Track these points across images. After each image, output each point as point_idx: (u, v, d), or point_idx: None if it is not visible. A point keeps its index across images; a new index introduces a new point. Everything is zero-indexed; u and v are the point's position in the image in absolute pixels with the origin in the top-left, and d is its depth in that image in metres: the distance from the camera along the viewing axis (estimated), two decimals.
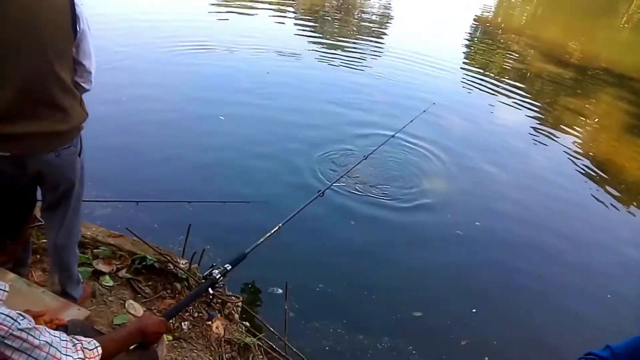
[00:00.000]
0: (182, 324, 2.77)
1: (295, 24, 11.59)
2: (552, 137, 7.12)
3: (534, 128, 7.38)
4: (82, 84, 2.02)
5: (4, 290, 1.22)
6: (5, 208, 1.21)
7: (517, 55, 11.73)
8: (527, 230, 4.88)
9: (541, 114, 8.14)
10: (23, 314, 1.17)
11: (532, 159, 6.40)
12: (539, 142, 6.90)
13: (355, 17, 13.54)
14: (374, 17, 13.69)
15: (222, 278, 1.96)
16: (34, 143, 1.91)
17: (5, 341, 1.11)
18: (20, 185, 1.34)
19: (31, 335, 1.15)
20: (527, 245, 4.67)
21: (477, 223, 4.79)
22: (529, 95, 8.77)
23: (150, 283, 2.99)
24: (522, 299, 4.02)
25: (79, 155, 2.09)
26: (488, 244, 4.56)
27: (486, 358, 3.36)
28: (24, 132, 1.87)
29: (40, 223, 1.33)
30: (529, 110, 8.10)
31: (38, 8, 1.76)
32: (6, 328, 1.12)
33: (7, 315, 1.13)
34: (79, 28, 1.86)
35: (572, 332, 3.74)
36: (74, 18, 1.84)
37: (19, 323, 1.14)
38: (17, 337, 1.13)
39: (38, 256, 2.89)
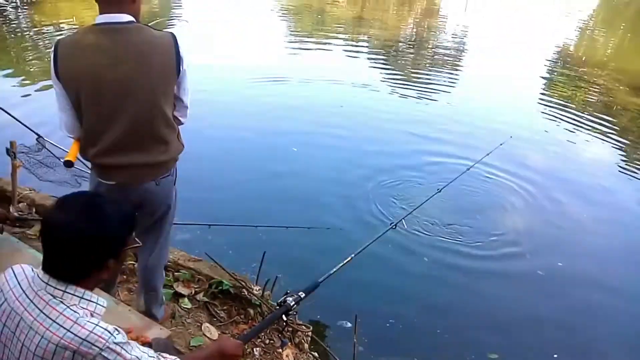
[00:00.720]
0: (254, 349, 2.83)
1: (369, 58, 11.77)
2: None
3: (621, 163, 6.96)
4: (180, 118, 2.20)
5: (103, 306, 1.33)
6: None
7: (600, 88, 11.18)
8: (616, 273, 4.58)
9: (628, 149, 7.67)
10: (118, 328, 1.27)
11: (620, 195, 6.02)
12: (627, 178, 6.50)
13: (429, 49, 13.54)
14: (448, 50, 13.62)
15: (295, 306, 2.01)
16: (138, 173, 2.09)
17: (103, 353, 1.21)
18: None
19: (124, 349, 1.25)
20: (614, 288, 4.37)
21: (559, 264, 4.56)
22: (614, 130, 8.30)
23: (225, 307, 3.10)
24: (606, 345, 3.76)
25: (175, 183, 2.26)
26: (570, 287, 4.32)
27: None
28: (131, 163, 2.05)
29: (139, 245, 1.43)
30: (615, 145, 7.66)
31: (151, 51, 1.95)
32: (104, 341, 1.21)
33: (106, 329, 1.23)
34: (182, 68, 2.03)
35: None
36: (178, 59, 2.01)
37: (115, 337, 1.23)
38: (113, 350, 1.22)
39: (125, 276, 3.09)
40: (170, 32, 2.05)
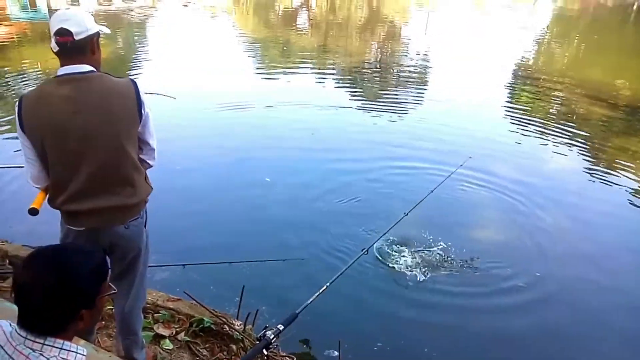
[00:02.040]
0: None
1: (336, 85, 11.99)
2: (608, 180, 6.93)
3: (588, 172, 7.19)
4: (147, 161, 2.26)
5: (83, 355, 1.35)
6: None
7: (562, 99, 11.60)
8: (592, 276, 4.72)
9: (593, 156, 7.93)
10: None
11: (589, 201, 6.22)
12: (594, 186, 6.72)
13: (393, 72, 13.86)
14: (411, 71, 13.95)
15: (275, 339, 2.04)
16: (106, 217, 2.13)
17: None
18: None
19: None
20: (591, 295, 4.50)
21: (537, 274, 4.66)
22: (578, 139, 8.60)
23: (207, 345, 3.09)
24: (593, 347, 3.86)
25: (145, 225, 2.29)
26: (553, 297, 4.39)
27: None
28: (98, 208, 2.09)
29: (114, 291, 1.46)
30: (580, 154, 7.93)
31: (111, 97, 2.03)
32: None
33: None
34: (144, 112, 2.11)
35: None
36: (139, 103, 2.09)
37: None
38: None
39: (103, 322, 3.06)
40: (130, 78, 2.14)
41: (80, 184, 2.05)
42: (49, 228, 2.48)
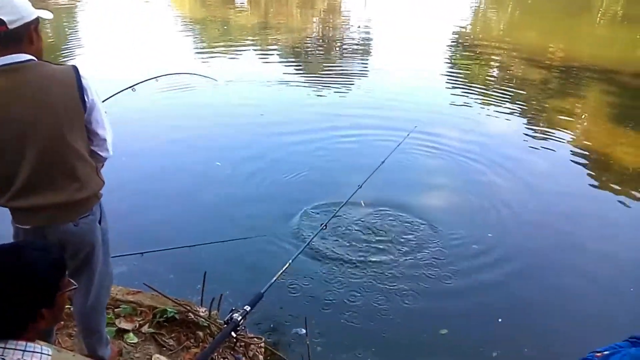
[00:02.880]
0: None
1: (280, 61, 11.89)
2: (546, 139, 7.24)
3: (527, 133, 7.49)
4: (99, 153, 2.14)
5: (48, 355, 1.31)
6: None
7: (500, 63, 11.97)
8: (539, 235, 4.94)
9: (532, 118, 8.28)
10: None
11: (527, 163, 6.47)
12: (533, 146, 6.99)
13: (336, 46, 13.86)
14: (354, 44, 14.00)
15: (243, 320, 2.04)
16: (53, 214, 2.02)
17: None
18: None
19: None
20: (541, 249, 4.72)
21: (489, 235, 4.84)
22: (517, 102, 8.94)
23: (173, 335, 3.05)
24: (544, 305, 4.06)
25: (100, 222, 2.20)
26: (503, 256, 4.56)
27: None
28: (44, 204, 1.99)
29: (75, 287, 1.41)
30: (518, 117, 8.25)
31: (50, 86, 1.92)
32: None
33: None
34: (87, 99, 1.99)
35: (597, 329, 3.75)
36: (81, 90, 1.97)
37: None
38: None
39: (62, 322, 2.96)
40: (72, 65, 2.02)
41: (23, 179, 1.94)
42: None
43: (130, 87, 3.72)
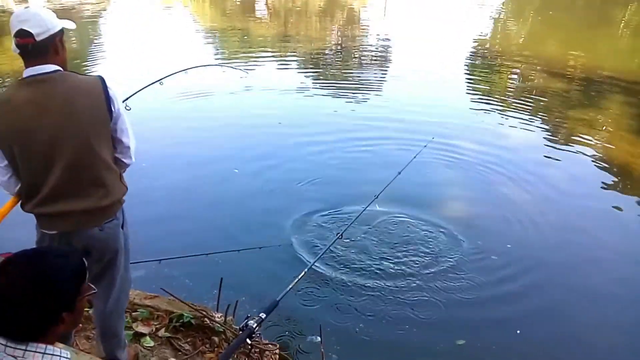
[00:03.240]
0: None
1: (299, 71, 11.96)
2: (567, 151, 7.15)
3: (548, 145, 7.40)
4: (123, 160, 2.19)
5: (67, 358, 1.33)
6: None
7: (520, 75, 11.88)
8: (559, 247, 4.86)
9: (551, 130, 8.18)
10: None
11: (548, 175, 6.38)
12: (554, 158, 6.91)
13: (355, 56, 13.90)
14: (373, 54, 14.04)
15: (258, 327, 2.05)
16: (78, 220, 2.08)
17: None
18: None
19: None
20: (561, 263, 4.65)
21: (508, 246, 4.79)
22: (536, 114, 8.85)
23: (189, 339, 3.09)
24: (562, 317, 4.01)
25: (122, 227, 2.25)
26: (521, 268, 4.53)
27: None
28: (69, 210, 2.04)
29: (95, 291, 1.44)
30: (539, 128, 8.16)
31: (77, 96, 1.97)
32: None
33: None
34: (114, 109, 2.05)
35: (618, 342, 3.72)
36: (108, 101, 2.02)
37: None
38: None
39: (80, 325, 3.01)
40: (98, 75, 2.08)
41: (51, 187, 1.99)
42: (17, 234, 2.43)
43: (158, 80, 3.74)
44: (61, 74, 1.98)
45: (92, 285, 1.43)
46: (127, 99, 2.90)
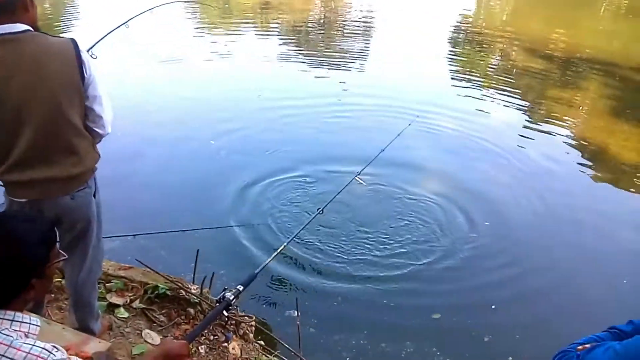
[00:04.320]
0: (199, 347, 2.84)
1: (281, 43, 11.77)
2: (545, 130, 7.22)
3: (526, 124, 7.46)
4: (96, 129, 2.10)
5: (37, 325, 1.31)
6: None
7: (501, 53, 11.90)
8: (535, 224, 4.94)
9: (531, 109, 8.24)
10: (57, 346, 1.25)
11: (526, 153, 6.43)
12: (532, 137, 6.97)
13: (338, 29, 13.74)
14: (356, 28, 13.88)
15: (235, 300, 2.03)
16: (49, 187, 2.00)
17: None
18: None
19: None
20: (536, 239, 4.74)
21: (486, 223, 4.83)
22: (517, 92, 8.88)
23: (164, 311, 3.06)
24: (536, 294, 4.08)
25: (94, 195, 2.18)
26: (498, 244, 4.58)
27: (510, 358, 3.40)
28: (40, 178, 1.97)
29: (65, 257, 1.41)
30: (519, 107, 8.21)
31: (47, 58, 1.88)
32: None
33: (43, 348, 1.21)
34: (86, 73, 1.96)
35: (593, 321, 3.73)
36: (80, 64, 1.93)
37: (54, 355, 1.22)
38: None
39: (53, 295, 2.96)
40: (70, 38, 1.98)
41: (20, 153, 1.91)
42: None
43: (124, 23, 3.54)
44: (31, 34, 1.87)
45: (62, 252, 1.39)
46: (92, 46, 2.77)
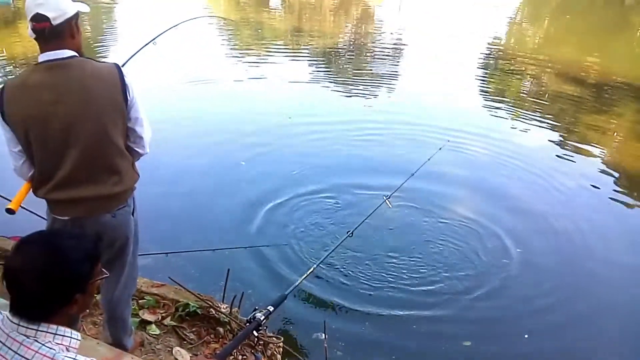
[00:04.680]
0: None
1: (311, 67, 11.93)
2: (577, 156, 7.10)
3: (558, 149, 7.35)
4: (136, 149, 2.18)
5: (77, 339, 1.34)
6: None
7: (533, 78, 11.81)
8: (567, 254, 4.83)
9: (563, 134, 8.11)
10: None
11: (559, 180, 6.31)
12: (566, 162, 6.87)
13: (368, 54, 13.85)
14: (386, 53, 13.97)
15: (265, 320, 2.06)
16: (92, 206, 2.09)
17: None
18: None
19: None
20: (570, 270, 4.62)
21: (518, 250, 4.74)
22: (549, 117, 8.78)
23: (194, 329, 3.10)
24: (567, 325, 3.98)
25: (132, 214, 2.26)
26: (530, 272, 4.50)
27: None
28: (83, 197, 2.05)
29: (107, 275, 1.45)
30: (551, 132, 8.10)
31: (94, 83, 1.97)
32: None
33: None
34: (129, 96, 2.04)
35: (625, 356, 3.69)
36: (124, 89, 2.02)
37: None
38: None
39: (87, 310, 3.04)
40: (114, 63, 2.08)
41: (65, 173, 2.00)
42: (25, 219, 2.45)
43: (152, 40, 3.65)
44: (78, 60, 1.98)
45: (104, 270, 1.44)
46: (123, 64, 2.85)
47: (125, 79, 2.03)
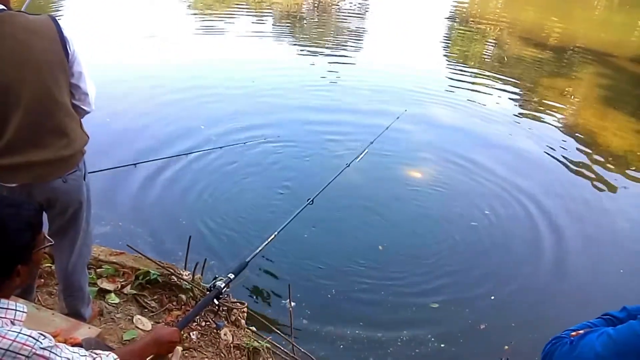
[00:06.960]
0: (191, 334, 2.82)
1: (274, 30, 11.67)
2: (537, 119, 7.25)
3: (518, 112, 7.47)
4: (82, 107, 2.04)
5: (23, 312, 1.28)
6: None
7: (495, 41, 11.88)
8: (528, 213, 4.92)
9: (524, 97, 8.25)
10: (44, 333, 1.23)
11: (518, 142, 6.43)
12: (524, 125, 6.99)
13: (332, 16, 13.63)
14: (350, 16, 13.77)
15: (226, 288, 2.01)
16: (40, 171, 1.95)
17: None
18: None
19: (53, 352, 1.21)
20: (531, 228, 4.72)
21: (486, 212, 4.82)
22: (510, 81, 8.88)
23: (155, 297, 3.03)
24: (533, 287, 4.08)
25: (84, 178, 2.14)
26: (495, 232, 4.58)
27: (505, 347, 3.41)
28: (31, 162, 1.91)
29: (51, 243, 1.39)
30: (512, 95, 8.22)
31: (29, 38, 1.81)
32: (29, 347, 1.17)
33: (30, 336, 1.19)
34: (70, 50, 1.90)
35: (588, 307, 3.79)
36: (63, 42, 1.87)
37: (41, 342, 1.19)
38: (40, 355, 1.18)
39: (42, 280, 2.93)
40: (48, 15, 1.91)
41: (8, 137, 1.85)
42: None
43: None
44: (9, 13, 1.80)
45: (49, 238, 1.37)
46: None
47: (64, 31, 1.88)
